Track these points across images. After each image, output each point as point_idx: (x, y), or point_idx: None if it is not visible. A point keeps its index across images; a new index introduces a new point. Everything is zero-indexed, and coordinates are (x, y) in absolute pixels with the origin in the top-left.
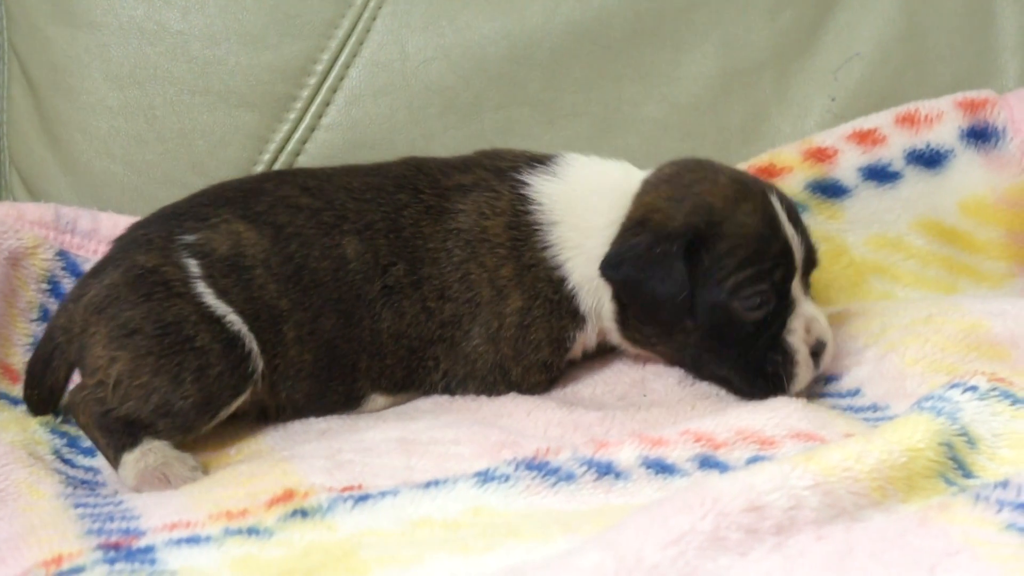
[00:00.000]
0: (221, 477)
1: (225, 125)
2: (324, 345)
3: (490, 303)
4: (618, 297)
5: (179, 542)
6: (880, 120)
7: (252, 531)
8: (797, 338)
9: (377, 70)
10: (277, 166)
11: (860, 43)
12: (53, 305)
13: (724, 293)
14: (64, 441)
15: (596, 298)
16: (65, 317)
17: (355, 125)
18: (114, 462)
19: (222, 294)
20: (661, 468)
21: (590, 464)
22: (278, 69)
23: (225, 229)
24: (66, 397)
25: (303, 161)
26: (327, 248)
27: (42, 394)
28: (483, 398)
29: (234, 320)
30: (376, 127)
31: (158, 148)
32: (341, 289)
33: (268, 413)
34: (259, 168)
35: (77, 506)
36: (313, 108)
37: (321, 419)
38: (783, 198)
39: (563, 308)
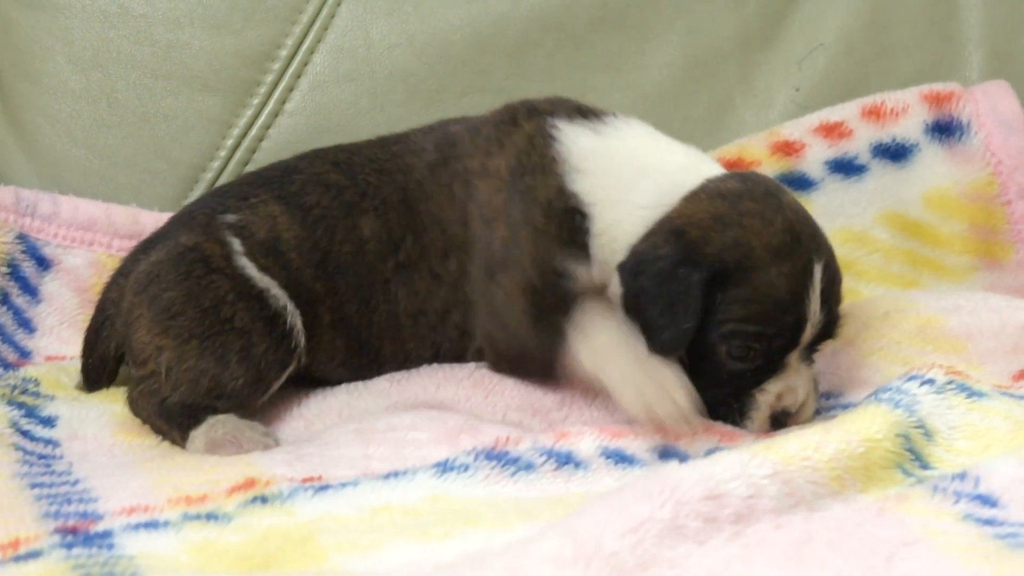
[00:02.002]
0: (183, 462)
1: (188, 109)
2: (352, 331)
3: (481, 238)
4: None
5: (137, 527)
6: (846, 113)
7: (211, 516)
8: (764, 400)
9: (341, 56)
10: (240, 152)
11: (824, 34)
12: (13, 288)
13: (716, 333)
14: (22, 412)
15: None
16: (116, 291)
17: (319, 111)
18: (181, 443)
19: (264, 270)
20: (621, 458)
21: (550, 454)
22: (242, 54)
23: (263, 211)
24: (126, 393)
25: (266, 147)
26: (347, 231)
27: (94, 363)
28: (440, 380)
29: (278, 295)
30: (340, 113)
31: (120, 132)
32: (360, 273)
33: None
34: (222, 153)
35: (33, 486)
36: (277, 93)
37: (282, 421)
38: (829, 268)
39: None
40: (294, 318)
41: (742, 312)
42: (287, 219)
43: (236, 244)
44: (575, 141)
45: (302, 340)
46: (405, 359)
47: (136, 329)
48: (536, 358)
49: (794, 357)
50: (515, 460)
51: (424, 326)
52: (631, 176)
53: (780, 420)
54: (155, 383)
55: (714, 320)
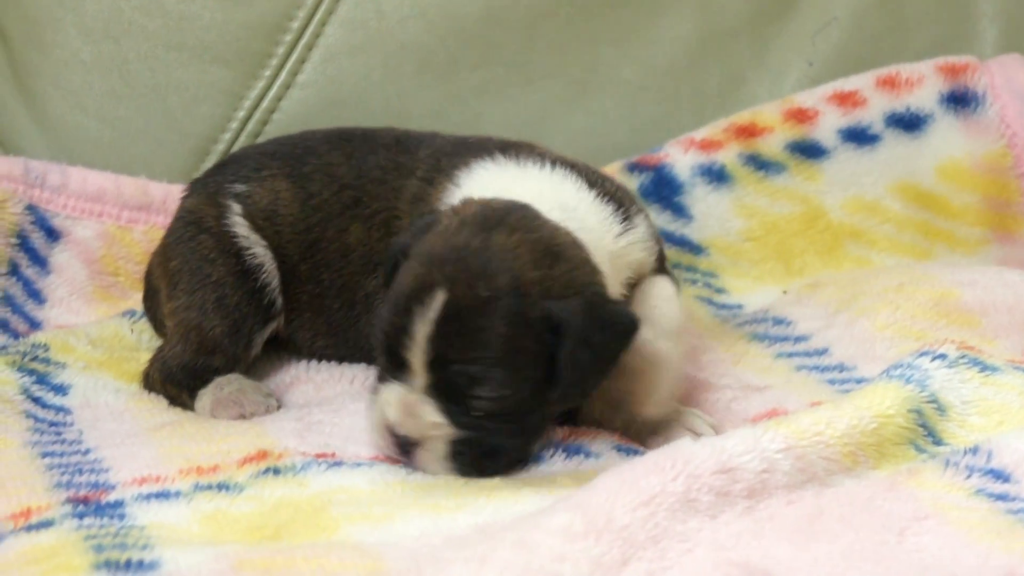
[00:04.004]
0: (193, 432)
1: (199, 81)
2: (333, 326)
3: None
4: None
5: (148, 497)
6: (860, 82)
7: (222, 486)
8: (382, 400)
9: (353, 28)
10: (252, 124)
11: (837, 7)
12: (22, 259)
13: None
14: (33, 379)
15: None
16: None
17: (330, 83)
18: (191, 404)
19: (257, 229)
20: (633, 452)
21: (559, 447)
22: (254, 25)
23: (269, 185)
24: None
25: (278, 119)
26: (338, 231)
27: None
28: None
29: (259, 252)
30: (351, 85)
31: (131, 103)
32: (344, 276)
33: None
34: (233, 125)
35: (44, 456)
36: (288, 65)
37: (291, 385)
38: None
39: None
40: (271, 276)
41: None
42: (289, 196)
43: (234, 208)
44: (469, 183)
45: (279, 300)
46: None
47: (159, 292)
48: None
49: (418, 377)
50: None
51: None
52: None
53: (401, 443)
54: (163, 349)
55: None
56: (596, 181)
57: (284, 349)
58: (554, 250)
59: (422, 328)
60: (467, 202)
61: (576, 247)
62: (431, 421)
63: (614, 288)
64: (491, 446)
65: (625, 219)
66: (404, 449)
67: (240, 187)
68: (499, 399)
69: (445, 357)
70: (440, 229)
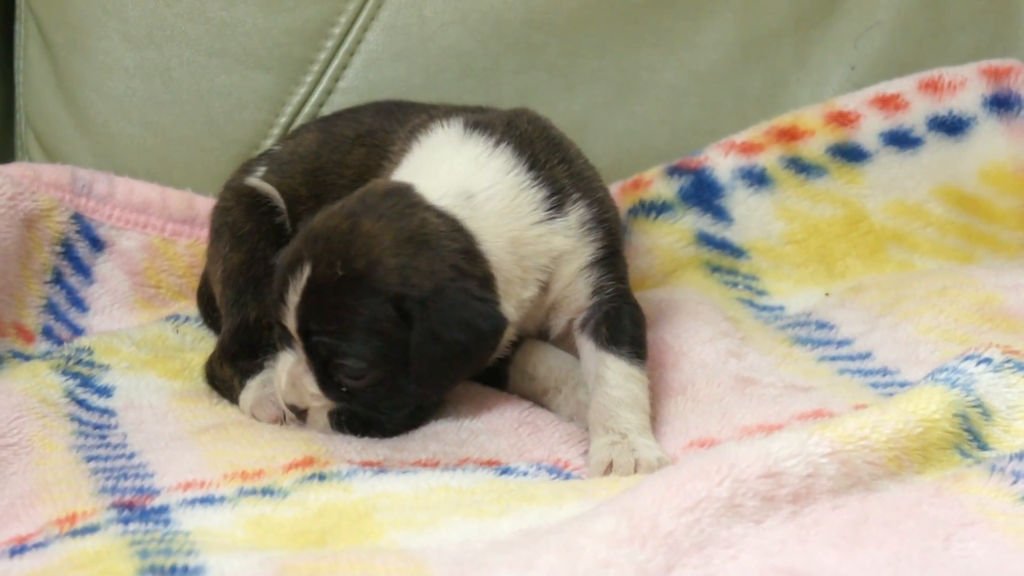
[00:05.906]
0: (238, 436)
1: (242, 87)
2: None
3: None
4: None
5: (193, 502)
6: (903, 85)
7: (267, 491)
8: (277, 369)
9: (394, 33)
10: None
11: (880, 11)
12: (66, 268)
13: None
14: (77, 382)
15: None
16: None
17: (372, 88)
18: (240, 388)
19: (268, 179)
20: None
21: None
22: (295, 31)
23: (300, 138)
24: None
25: None
26: (343, 154)
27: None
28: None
29: (267, 189)
30: (393, 91)
31: (174, 110)
32: (337, 191)
33: None
34: (276, 131)
35: (89, 460)
36: (330, 71)
37: None
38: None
39: None
40: (276, 202)
41: None
42: (311, 139)
43: (259, 169)
44: (419, 146)
45: (287, 224)
46: None
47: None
48: None
49: (299, 348)
50: (568, 476)
51: None
52: None
53: (292, 409)
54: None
55: None
56: (543, 164)
57: None
58: (418, 239)
59: (293, 298)
60: (371, 183)
61: (448, 239)
62: (311, 392)
63: (519, 276)
64: (369, 418)
65: (555, 207)
66: (296, 412)
67: (277, 148)
68: (359, 373)
69: (308, 327)
70: (328, 209)
